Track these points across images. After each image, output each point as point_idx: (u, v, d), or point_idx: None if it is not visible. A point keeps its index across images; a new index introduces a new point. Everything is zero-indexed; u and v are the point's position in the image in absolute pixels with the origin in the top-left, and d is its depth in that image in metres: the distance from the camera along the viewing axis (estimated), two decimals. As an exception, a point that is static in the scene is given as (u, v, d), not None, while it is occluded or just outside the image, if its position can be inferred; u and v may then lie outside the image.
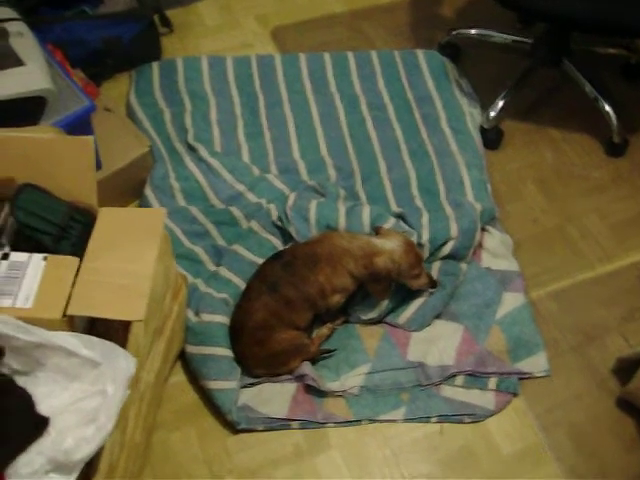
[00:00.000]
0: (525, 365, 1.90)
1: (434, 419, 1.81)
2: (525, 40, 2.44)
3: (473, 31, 2.51)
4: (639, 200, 2.28)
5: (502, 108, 2.31)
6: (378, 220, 2.01)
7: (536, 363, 1.91)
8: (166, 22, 2.53)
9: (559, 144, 2.39)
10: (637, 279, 2.11)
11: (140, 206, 2.08)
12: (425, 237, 1.99)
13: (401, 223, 2.03)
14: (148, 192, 2.07)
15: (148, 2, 2.35)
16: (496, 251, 2.08)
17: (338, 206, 2.02)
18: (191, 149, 2.20)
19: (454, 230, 2.01)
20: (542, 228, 2.19)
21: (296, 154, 2.25)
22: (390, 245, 1.80)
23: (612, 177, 2.33)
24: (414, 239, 1.96)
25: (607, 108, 2.32)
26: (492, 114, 2.31)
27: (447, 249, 2.00)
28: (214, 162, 2.15)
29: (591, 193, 2.28)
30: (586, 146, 2.39)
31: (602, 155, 2.38)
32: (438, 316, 1.95)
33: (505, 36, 2.49)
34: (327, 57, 2.51)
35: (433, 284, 1.89)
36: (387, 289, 1.84)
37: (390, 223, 2.01)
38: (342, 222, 1.99)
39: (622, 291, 2.08)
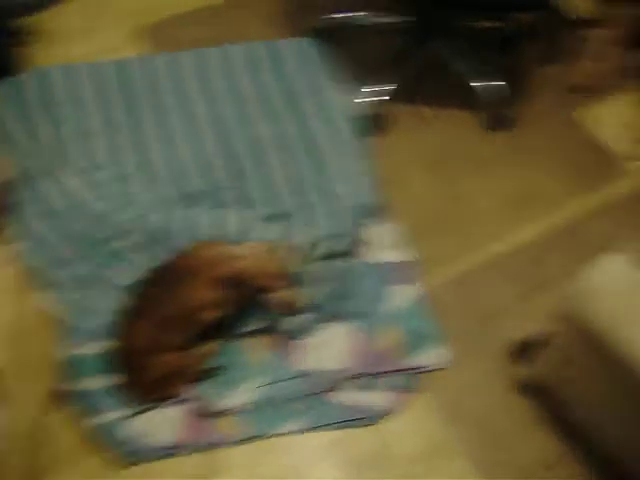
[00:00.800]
0: (423, 359, 1.84)
1: (333, 426, 1.72)
2: (398, 20, 2.37)
3: (344, 15, 2.42)
4: (523, 173, 2.24)
5: (380, 93, 2.23)
6: (247, 227, 1.94)
7: (435, 355, 1.86)
8: (27, 30, 2.34)
9: (444, 124, 2.33)
10: (530, 257, 2.07)
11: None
12: (298, 240, 1.91)
13: (274, 225, 1.95)
14: (14, 216, 1.91)
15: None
16: (384, 243, 2.02)
17: (204, 217, 1.92)
18: (62, 166, 2.03)
19: (326, 228, 1.94)
20: (432, 213, 2.13)
21: (158, 164, 2.11)
22: (248, 252, 1.73)
23: (496, 152, 2.29)
24: (292, 239, 1.89)
25: (482, 85, 2.28)
26: (370, 101, 2.23)
27: (322, 249, 1.92)
28: (86, 179, 2.00)
29: (478, 172, 2.23)
30: (468, 124, 2.34)
31: (484, 132, 2.33)
32: (327, 319, 1.85)
33: (378, 18, 2.41)
34: (187, 55, 2.36)
35: (292, 307, 1.79)
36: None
37: (259, 229, 1.93)
38: (209, 232, 1.91)
39: (517, 271, 2.05)
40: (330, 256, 1.94)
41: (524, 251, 2.09)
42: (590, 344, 1.56)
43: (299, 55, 2.38)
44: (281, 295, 1.76)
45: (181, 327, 1.71)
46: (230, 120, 2.22)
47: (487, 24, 2.54)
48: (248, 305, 1.80)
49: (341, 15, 2.42)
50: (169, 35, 2.49)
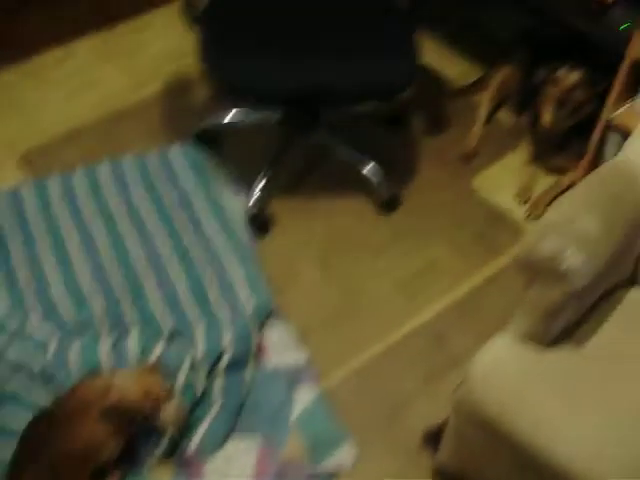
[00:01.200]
0: (330, 462, 1.78)
1: None
2: (276, 116, 2.36)
3: (224, 115, 2.40)
4: (420, 252, 2.22)
5: (264, 190, 2.22)
6: (148, 347, 1.87)
7: (342, 457, 1.79)
8: None
9: (331, 213, 2.31)
10: (432, 337, 2.03)
11: None
12: (200, 353, 1.86)
13: (177, 341, 1.88)
14: None
15: None
16: (281, 346, 1.97)
17: (101, 346, 1.86)
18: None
19: (229, 339, 1.89)
20: (328, 307, 2.08)
21: (57, 292, 2.06)
22: (131, 379, 1.67)
23: (390, 235, 2.26)
24: (189, 357, 1.83)
25: (367, 169, 2.27)
26: (255, 199, 2.21)
27: (225, 361, 1.87)
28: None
29: (372, 257, 2.20)
30: (358, 210, 2.32)
31: (375, 215, 2.30)
32: (230, 433, 1.79)
33: (257, 115, 2.40)
34: (78, 175, 2.34)
35: (183, 425, 1.74)
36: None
37: (160, 347, 1.86)
38: (106, 361, 1.83)
39: (420, 354, 2.00)
40: (232, 367, 1.87)
41: (426, 332, 2.04)
42: (483, 430, 1.51)
43: (188, 161, 2.39)
44: (172, 414, 1.69)
45: (77, 468, 1.63)
46: (128, 237, 2.19)
47: (367, 107, 2.55)
48: (145, 431, 1.72)
49: (220, 117, 2.40)
50: (54, 157, 2.44)
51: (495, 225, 2.31)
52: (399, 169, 2.43)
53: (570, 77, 2.24)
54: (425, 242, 2.24)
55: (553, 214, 1.46)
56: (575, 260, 1.37)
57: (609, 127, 2.23)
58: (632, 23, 1.95)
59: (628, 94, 2.16)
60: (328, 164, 2.42)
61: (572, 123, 2.31)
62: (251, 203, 2.21)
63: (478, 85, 2.72)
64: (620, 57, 2.04)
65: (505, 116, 2.66)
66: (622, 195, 1.51)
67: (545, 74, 2.32)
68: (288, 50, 1.97)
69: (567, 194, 1.50)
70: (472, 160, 2.50)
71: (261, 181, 2.23)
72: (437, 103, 2.68)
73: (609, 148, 2.30)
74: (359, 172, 2.29)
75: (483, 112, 2.61)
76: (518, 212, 2.35)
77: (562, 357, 1.47)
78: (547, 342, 1.49)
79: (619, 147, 2.24)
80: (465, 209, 2.34)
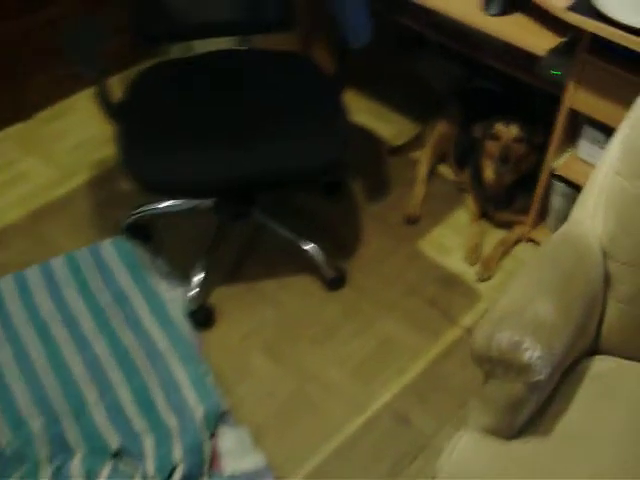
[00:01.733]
0: None
1: None
2: (208, 203, 2.25)
3: (155, 205, 2.28)
4: (372, 329, 2.13)
5: (204, 280, 2.10)
6: (93, 470, 1.75)
7: None
8: None
9: (277, 296, 2.20)
10: (395, 419, 1.92)
11: None
12: (151, 470, 1.75)
13: (125, 459, 1.74)
14: None
15: None
16: (236, 451, 1.85)
17: (41, 475, 1.71)
18: None
19: (180, 450, 1.77)
20: (283, 401, 1.97)
21: (18, 403, 1.92)
22: None
23: (340, 313, 2.16)
24: (139, 475, 1.73)
25: (308, 247, 2.18)
26: (194, 292, 2.09)
27: (178, 475, 1.74)
28: None
29: (324, 340, 2.09)
30: (305, 288, 2.22)
31: (323, 292, 2.20)
32: None
33: (188, 202, 2.29)
34: (5, 281, 2.20)
35: None
36: None
37: (108, 468, 1.74)
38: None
39: (384, 440, 1.89)
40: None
41: (387, 416, 1.94)
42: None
43: (121, 256, 2.27)
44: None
45: None
46: (64, 345, 2.06)
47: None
48: None
49: (151, 207, 2.28)
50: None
51: (447, 290, 2.22)
52: (342, 240, 2.34)
53: (509, 131, 2.18)
54: (377, 317, 2.15)
55: (505, 302, 1.37)
56: (535, 351, 1.28)
57: (553, 177, 2.17)
58: (562, 72, 1.90)
59: (568, 142, 2.12)
60: (269, 244, 2.32)
61: (515, 177, 2.25)
62: (191, 296, 2.08)
63: (415, 142, 2.66)
64: (556, 106, 1.99)
65: (446, 172, 2.59)
66: (574, 272, 1.43)
67: (483, 129, 2.26)
68: (210, 142, 1.86)
69: (517, 277, 1.42)
70: (417, 222, 2.42)
71: (200, 271, 2.11)
72: (375, 165, 2.61)
73: (554, 198, 2.25)
74: (303, 250, 2.18)
75: (423, 171, 2.54)
76: (469, 274, 2.27)
77: (529, 448, 1.38)
78: (512, 435, 1.40)
79: (564, 197, 2.20)
80: (415, 276, 2.25)
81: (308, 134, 1.87)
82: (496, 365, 1.33)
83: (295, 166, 1.83)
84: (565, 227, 1.55)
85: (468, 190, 2.45)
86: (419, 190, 2.49)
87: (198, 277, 2.11)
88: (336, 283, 2.20)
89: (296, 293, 2.21)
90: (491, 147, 2.22)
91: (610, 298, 1.54)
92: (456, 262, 2.31)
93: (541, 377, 1.30)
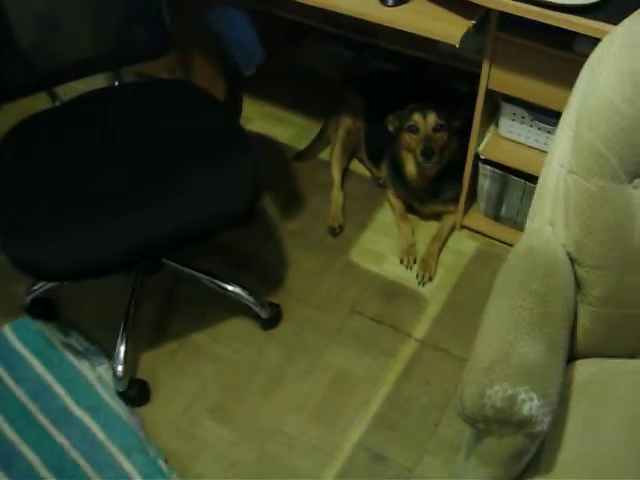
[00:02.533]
0: None
1: None
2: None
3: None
4: (321, 364, 1.97)
5: (128, 351, 1.87)
6: None
7: None
8: None
9: (212, 350, 2.00)
10: (369, 461, 1.76)
11: None
12: None
13: None
14: None
15: None
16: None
17: None
18: None
19: None
20: (246, 469, 1.78)
21: None
22: None
23: (284, 353, 1.99)
24: None
25: (232, 288, 1.98)
26: (120, 367, 1.85)
27: None
28: None
29: (273, 387, 1.92)
30: (241, 334, 2.03)
31: (261, 332, 2.01)
32: None
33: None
34: None
35: None
36: None
37: None
38: None
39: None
40: None
41: (360, 458, 1.78)
42: None
43: (27, 341, 2.01)
44: None
45: None
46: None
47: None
48: None
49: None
50: None
51: (391, 301, 2.07)
52: (268, 269, 2.15)
53: (427, 120, 2.01)
54: (323, 349, 1.98)
55: (485, 348, 1.21)
56: (533, 401, 1.14)
57: (478, 160, 2.04)
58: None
59: (488, 122, 1.99)
60: (191, 292, 2.10)
61: (439, 168, 2.09)
62: (118, 371, 1.85)
63: (320, 142, 2.48)
64: (468, 82, 1.84)
65: (361, 169, 2.42)
66: (548, 294, 1.29)
67: (398, 121, 2.08)
68: (100, 209, 1.58)
69: (488, 317, 1.26)
70: (342, 231, 2.25)
71: (122, 341, 1.88)
72: (282, 176, 2.41)
73: (483, 180, 2.13)
74: (227, 293, 1.97)
75: (336, 174, 2.36)
76: (409, 278, 2.12)
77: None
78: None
79: (493, 179, 2.07)
80: (353, 292, 2.09)
81: (215, 178, 1.63)
82: (492, 423, 1.18)
83: (200, 221, 1.61)
84: (525, 240, 1.41)
85: (388, 185, 2.28)
86: (337, 196, 2.31)
87: (121, 348, 1.87)
88: (272, 321, 2.02)
89: (232, 342, 2.01)
90: (410, 140, 2.05)
91: (581, 302, 1.42)
92: (393, 268, 2.16)
93: (544, 426, 1.16)
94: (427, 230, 2.23)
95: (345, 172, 2.39)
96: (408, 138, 2.05)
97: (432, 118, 2.01)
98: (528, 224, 1.44)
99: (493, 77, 1.80)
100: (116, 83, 1.92)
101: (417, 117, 2.02)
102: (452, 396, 1.84)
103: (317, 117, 2.55)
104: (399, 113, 2.07)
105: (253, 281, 2.08)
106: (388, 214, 2.28)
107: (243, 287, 1.96)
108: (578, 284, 1.39)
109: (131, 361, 1.90)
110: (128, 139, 1.72)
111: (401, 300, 2.08)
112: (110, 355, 1.90)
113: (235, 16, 1.62)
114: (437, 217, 2.25)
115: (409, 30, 1.68)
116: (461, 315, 2.02)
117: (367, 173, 2.40)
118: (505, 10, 1.57)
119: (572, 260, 1.37)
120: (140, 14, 1.78)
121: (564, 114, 1.37)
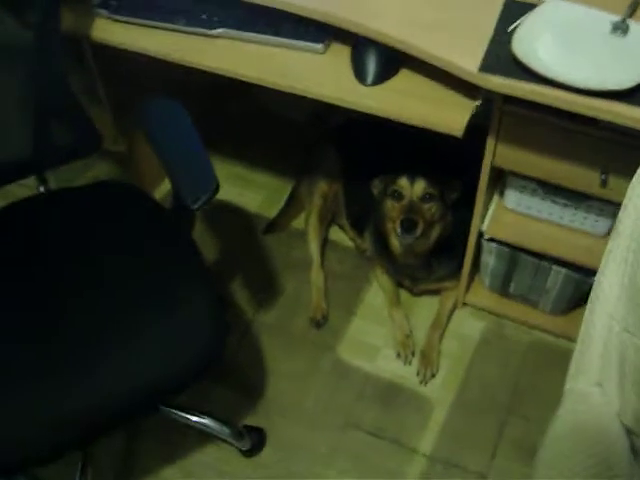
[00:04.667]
0: None
1: None
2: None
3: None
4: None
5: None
6: None
7: None
8: None
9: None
10: None
11: None
12: None
13: None
14: None
15: None
16: None
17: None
18: None
19: None
20: None
21: None
22: None
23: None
24: None
25: (200, 420, 1.67)
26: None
27: None
28: None
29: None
30: (220, 465, 1.72)
31: (243, 463, 1.71)
32: None
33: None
34: None
35: None
36: None
37: None
38: None
39: None
40: None
41: None
42: None
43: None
44: None
45: None
46: None
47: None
48: None
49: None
50: None
51: (390, 408, 1.77)
52: (245, 380, 1.84)
53: (414, 187, 1.69)
54: (318, 473, 1.66)
55: None
56: None
57: (482, 239, 1.73)
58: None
59: (491, 194, 1.69)
60: (156, 426, 1.77)
61: (430, 244, 1.77)
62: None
63: (292, 207, 2.15)
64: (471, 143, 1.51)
65: (342, 238, 2.09)
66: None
67: (383, 184, 1.75)
68: (20, 379, 1.25)
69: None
70: (326, 322, 1.92)
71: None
72: (251, 256, 2.08)
73: (487, 257, 1.82)
74: (193, 424, 1.66)
75: (314, 249, 2.04)
76: (409, 376, 1.82)
77: None
78: None
79: (498, 256, 1.76)
80: (346, 399, 1.79)
81: (161, 328, 1.29)
82: None
83: (162, 379, 1.28)
84: (568, 408, 1.10)
85: (374, 260, 1.96)
86: (317, 279, 1.99)
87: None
88: (254, 449, 1.70)
89: (208, 475, 1.69)
90: (392, 208, 1.73)
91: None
92: (389, 364, 1.85)
93: None
94: (424, 309, 1.93)
95: (324, 243, 2.06)
96: (390, 205, 1.72)
97: (420, 185, 1.69)
98: (569, 384, 1.12)
99: (499, 154, 1.49)
100: (41, 189, 1.57)
101: (403, 182, 1.70)
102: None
103: (289, 174, 2.22)
104: (386, 176, 1.74)
105: (228, 397, 1.77)
106: (378, 294, 1.97)
107: (213, 417, 1.63)
108: (636, 456, 1.09)
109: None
110: (51, 277, 1.37)
111: (402, 405, 1.77)
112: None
113: (176, 122, 1.27)
114: (435, 291, 1.94)
115: (399, 120, 1.35)
116: (472, 418, 1.73)
117: (350, 243, 2.07)
118: (535, 100, 1.26)
119: (629, 431, 1.07)
120: (54, 111, 1.44)
121: (610, 246, 1.05)
